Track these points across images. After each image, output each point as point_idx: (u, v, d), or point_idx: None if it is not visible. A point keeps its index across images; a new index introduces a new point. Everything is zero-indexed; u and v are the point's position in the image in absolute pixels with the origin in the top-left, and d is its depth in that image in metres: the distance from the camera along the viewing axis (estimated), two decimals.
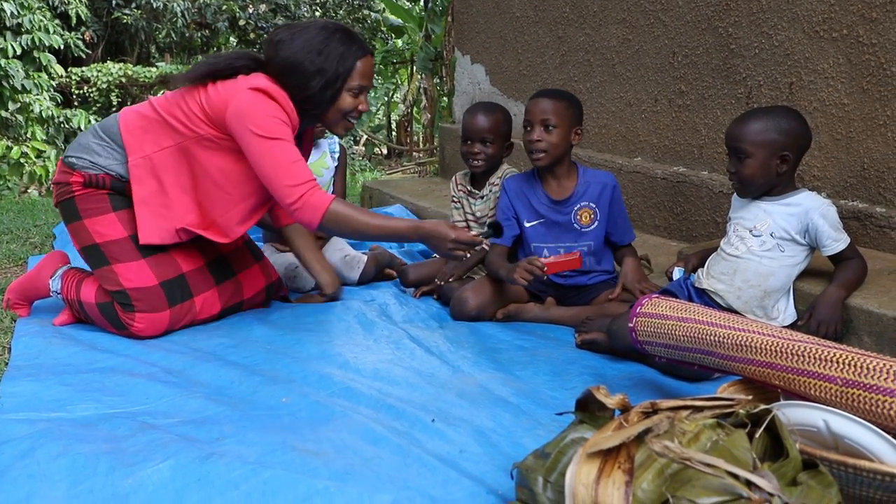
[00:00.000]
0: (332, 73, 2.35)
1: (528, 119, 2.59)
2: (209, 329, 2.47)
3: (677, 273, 2.48)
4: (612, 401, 1.32)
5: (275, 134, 2.25)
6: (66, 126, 9.02)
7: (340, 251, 3.09)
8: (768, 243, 2.22)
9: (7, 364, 2.11)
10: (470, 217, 3.11)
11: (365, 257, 3.13)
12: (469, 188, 3.08)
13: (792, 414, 1.49)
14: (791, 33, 2.73)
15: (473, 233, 2.31)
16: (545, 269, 2.48)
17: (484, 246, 2.35)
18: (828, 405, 1.47)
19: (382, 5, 9.74)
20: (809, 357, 1.52)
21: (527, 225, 2.72)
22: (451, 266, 2.91)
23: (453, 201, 3.18)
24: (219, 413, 1.76)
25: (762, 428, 1.33)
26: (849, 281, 2.18)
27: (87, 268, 2.49)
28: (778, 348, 1.58)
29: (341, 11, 18.59)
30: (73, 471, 1.44)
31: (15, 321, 2.49)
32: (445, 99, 7.65)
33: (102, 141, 2.39)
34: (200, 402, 1.82)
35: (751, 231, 2.26)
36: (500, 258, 2.70)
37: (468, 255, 2.37)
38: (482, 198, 3.03)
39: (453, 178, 3.21)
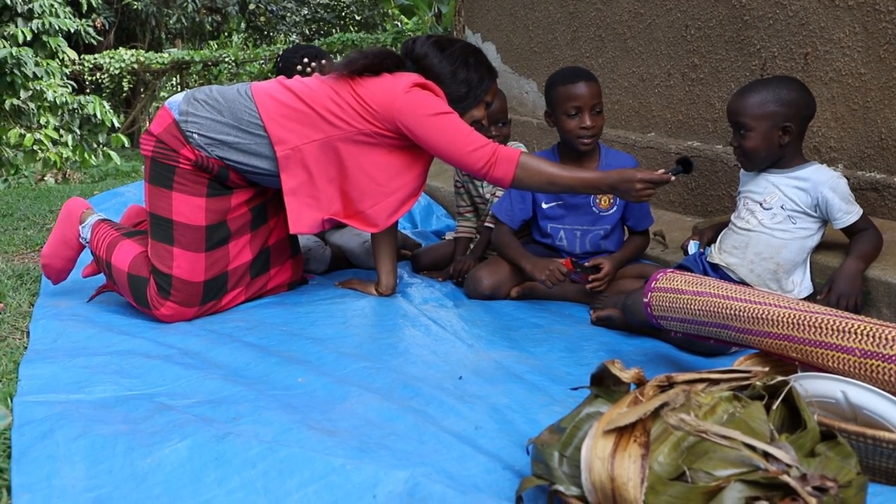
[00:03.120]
0: (477, 82, 2.49)
1: (574, 105, 2.55)
2: (225, 311, 2.47)
3: (693, 247, 2.47)
4: (627, 375, 1.32)
5: (447, 109, 2.35)
6: (81, 112, 9.05)
7: (358, 236, 3.08)
8: (779, 216, 2.21)
9: (26, 347, 2.13)
10: (478, 200, 3.10)
11: None
12: None
13: (810, 385, 1.48)
14: (806, 3, 2.69)
15: (661, 171, 2.26)
16: (568, 272, 2.52)
17: (672, 178, 2.28)
18: (846, 376, 1.46)
19: None
20: (827, 328, 1.51)
21: (544, 206, 2.70)
22: (464, 257, 2.93)
23: (456, 187, 3.17)
24: (235, 393, 1.77)
25: (779, 400, 1.33)
26: (865, 253, 2.16)
27: (113, 219, 2.52)
28: (795, 320, 1.57)
29: None
30: (92, 451, 1.45)
31: (33, 305, 2.50)
32: None
33: (229, 125, 2.33)
34: (217, 383, 1.83)
35: (761, 204, 2.24)
36: (512, 240, 2.70)
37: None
38: None
39: None
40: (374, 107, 2.32)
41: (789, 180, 2.22)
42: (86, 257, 2.66)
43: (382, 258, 2.64)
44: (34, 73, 8.10)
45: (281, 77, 2.51)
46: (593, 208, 2.67)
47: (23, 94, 8.24)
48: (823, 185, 2.16)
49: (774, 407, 1.32)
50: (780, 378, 1.37)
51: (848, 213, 2.16)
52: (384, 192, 2.41)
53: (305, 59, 3.07)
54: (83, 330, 2.22)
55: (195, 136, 2.32)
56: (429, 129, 2.31)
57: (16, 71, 7.96)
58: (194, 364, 1.97)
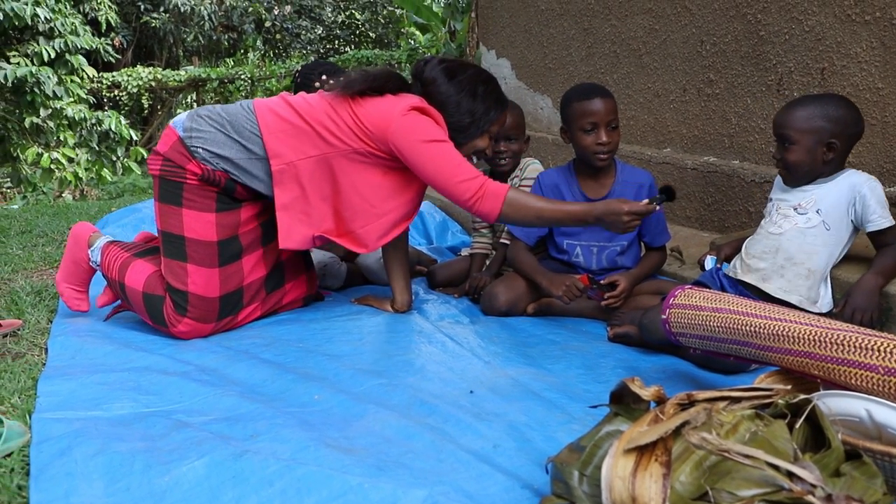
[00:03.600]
0: (482, 113, 2.46)
1: (590, 121, 2.55)
2: (242, 328, 2.48)
3: (709, 262, 2.45)
4: (647, 392, 1.30)
5: (442, 137, 2.33)
6: (98, 128, 9.15)
7: (374, 253, 3.07)
8: (814, 220, 2.19)
9: (44, 364, 2.13)
10: None
11: None
12: None
13: (833, 404, 1.46)
14: (822, 18, 2.68)
15: (645, 201, 2.25)
16: (585, 288, 2.50)
17: (657, 209, 2.27)
18: (869, 394, 1.44)
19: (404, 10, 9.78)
20: (849, 346, 1.49)
21: None
22: (479, 273, 2.92)
23: None
24: (252, 410, 1.77)
25: (802, 418, 1.31)
26: (887, 268, 2.14)
27: (125, 239, 2.51)
28: (816, 337, 1.55)
29: (366, 13, 18.70)
30: (110, 469, 1.45)
31: (51, 322, 2.51)
32: None
33: (231, 138, 2.35)
34: (234, 400, 1.83)
35: (795, 209, 2.23)
36: (528, 256, 2.69)
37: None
38: None
39: None
40: (370, 127, 2.32)
41: (827, 185, 2.21)
42: (98, 284, 2.67)
43: (395, 275, 2.64)
44: (54, 91, 8.20)
45: (284, 93, 2.52)
46: None
47: (42, 113, 8.34)
48: (861, 184, 2.16)
49: (797, 426, 1.30)
50: (802, 396, 1.36)
51: (882, 217, 2.14)
52: (375, 213, 2.40)
53: (324, 76, 3.08)
54: (101, 346, 2.23)
55: (200, 150, 2.33)
56: (420, 155, 2.30)
57: (35, 90, 8.06)
58: (211, 381, 1.97)
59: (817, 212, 2.19)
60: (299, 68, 3.28)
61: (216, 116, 2.39)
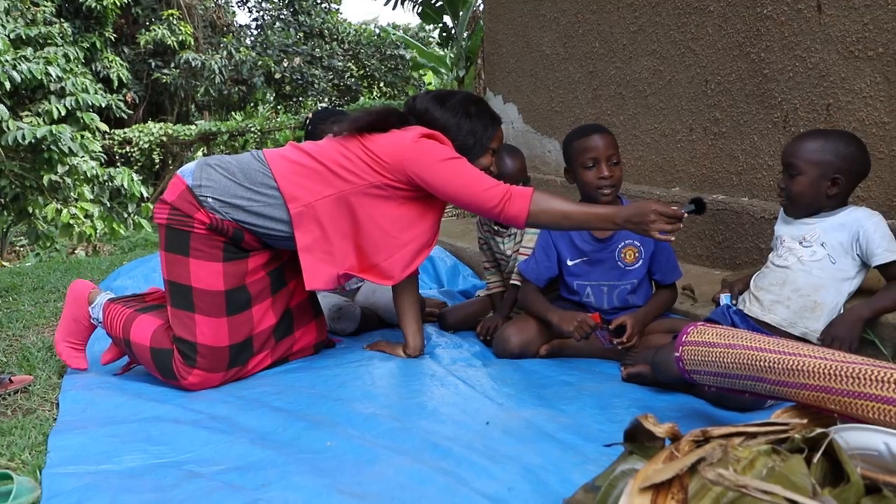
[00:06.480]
0: (481, 131, 2.52)
1: (590, 157, 2.56)
2: (254, 376, 2.47)
3: (724, 299, 2.44)
4: (661, 430, 1.29)
5: (455, 155, 2.39)
6: (111, 184, 9.25)
7: (389, 293, 3.07)
8: (819, 253, 2.19)
9: (55, 419, 2.13)
10: (500, 256, 3.10)
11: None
12: (495, 228, 3.07)
13: (851, 438, 1.44)
14: (825, 55, 2.70)
15: (675, 207, 2.20)
16: (596, 325, 2.51)
17: (685, 215, 2.21)
18: (887, 427, 1.42)
19: (414, 52, 9.93)
20: (865, 379, 1.47)
21: (569, 263, 2.69)
22: (491, 316, 2.91)
23: (480, 243, 3.18)
24: (264, 458, 1.75)
25: (820, 452, 1.29)
26: (883, 303, 2.13)
27: (136, 290, 2.49)
28: (831, 371, 1.53)
29: (374, 60, 18.96)
30: None
31: (62, 377, 2.51)
32: None
33: (242, 186, 2.36)
34: (245, 448, 1.82)
35: (800, 242, 2.22)
36: (538, 297, 2.69)
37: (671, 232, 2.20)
38: (510, 236, 3.03)
39: (477, 220, 3.21)
40: (385, 159, 2.36)
41: (830, 220, 2.21)
42: (99, 341, 2.68)
43: (407, 319, 2.63)
44: (69, 148, 8.32)
45: (292, 142, 2.55)
46: (619, 263, 2.65)
47: (60, 170, 8.44)
48: (864, 220, 2.16)
49: (815, 460, 1.28)
50: (819, 430, 1.33)
51: (888, 250, 2.13)
52: (397, 244, 2.42)
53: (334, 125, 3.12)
54: (112, 399, 2.23)
55: (209, 199, 2.34)
56: (441, 175, 2.34)
57: (53, 147, 8.18)
58: (222, 429, 1.96)
59: (822, 245, 2.19)
60: (310, 115, 3.31)
61: (226, 165, 2.40)
